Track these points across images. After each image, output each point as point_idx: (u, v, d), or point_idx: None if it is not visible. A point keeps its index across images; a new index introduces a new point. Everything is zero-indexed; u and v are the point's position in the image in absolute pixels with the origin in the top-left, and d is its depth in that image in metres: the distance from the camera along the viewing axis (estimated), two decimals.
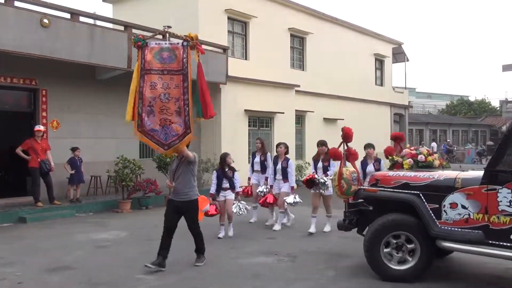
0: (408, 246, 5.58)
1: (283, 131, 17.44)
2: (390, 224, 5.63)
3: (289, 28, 19.08)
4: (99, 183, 12.67)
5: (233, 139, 15.51)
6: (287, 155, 9.31)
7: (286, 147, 9.37)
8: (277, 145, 9.44)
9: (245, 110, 16.13)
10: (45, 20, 10.45)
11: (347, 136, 6.56)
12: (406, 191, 5.66)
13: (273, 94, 17.22)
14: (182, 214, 6.34)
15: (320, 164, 8.77)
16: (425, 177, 5.65)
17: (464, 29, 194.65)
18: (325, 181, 8.39)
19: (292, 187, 9.03)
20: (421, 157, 6.29)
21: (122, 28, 12.66)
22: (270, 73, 17.40)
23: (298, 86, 18.31)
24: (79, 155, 11.58)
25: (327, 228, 8.82)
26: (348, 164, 6.61)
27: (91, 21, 12.41)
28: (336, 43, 21.47)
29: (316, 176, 8.52)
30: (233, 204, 8.40)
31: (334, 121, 21.25)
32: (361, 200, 6.11)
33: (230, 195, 8.35)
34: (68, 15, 11.22)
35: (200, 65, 6.67)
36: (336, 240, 8.10)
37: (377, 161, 8.82)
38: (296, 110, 18.43)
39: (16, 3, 10.18)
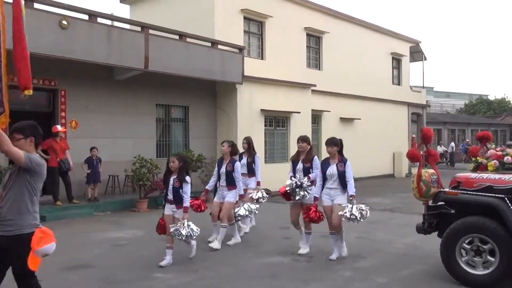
0: (488, 251, 5.34)
1: (299, 131, 17.28)
2: (468, 228, 5.42)
3: (305, 28, 19.01)
4: (117, 183, 12.80)
5: None
6: (233, 156, 7.81)
7: (231, 145, 7.76)
8: (221, 144, 7.87)
9: (261, 110, 16.13)
10: (64, 22, 10.60)
11: (426, 137, 6.24)
12: (489, 194, 5.44)
13: (289, 94, 17.20)
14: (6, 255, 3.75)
15: (300, 165, 7.13)
16: (511, 180, 5.42)
17: (483, 26, 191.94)
18: (303, 183, 6.81)
19: (241, 196, 7.56)
20: (507, 159, 5.97)
21: (139, 28, 12.77)
22: (286, 72, 17.37)
23: (315, 85, 18.24)
24: (97, 155, 11.72)
25: (303, 250, 7.13)
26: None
27: (108, 22, 12.55)
28: (352, 42, 21.34)
29: (292, 180, 6.98)
30: (178, 223, 6.32)
31: (351, 121, 21.14)
32: (442, 203, 5.88)
33: (178, 213, 6.42)
34: (86, 17, 11.36)
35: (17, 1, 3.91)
36: (352, 241, 8.04)
37: (342, 161, 6.72)
38: (312, 110, 18.36)
39: (36, 5, 10.35)
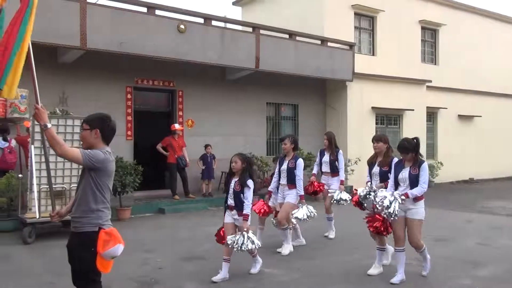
0: None
1: (412, 129, 16.62)
2: None
3: (419, 21, 18.13)
4: None
5: (359, 137, 15.20)
6: (296, 152, 7.15)
7: (293, 142, 7.05)
8: (281, 140, 7.23)
9: (372, 108, 15.72)
10: (182, 26, 11.25)
11: None
12: None
13: (402, 90, 16.53)
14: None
15: (376, 169, 6.19)
16: None
17: None
18: (374, 192, 5.71)
19: (301, 196, 6.90)
20: None
21: (250, 29, 13.13)
22: (399, 68, 16.73)
23: (430, 81, 17.35)
24: (211, 152, 12.28)
25: (374, 270, 6.01)
26: None
27: (222, 24, 13.07)
28: (473, 34, 19.88)
29: (366, 189, 5.95)
30: (237, 235, 5.61)
31: (470, 118, 19.73)
32: None
33: (240, 220, 5.69)
34: (201, 20, 11.95)
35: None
36: (472, 247, 7.52)
37: (417, 164, 5.50)
38: (427, 107, 17.49)
39: (157, 12, 11.12)
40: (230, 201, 5.70)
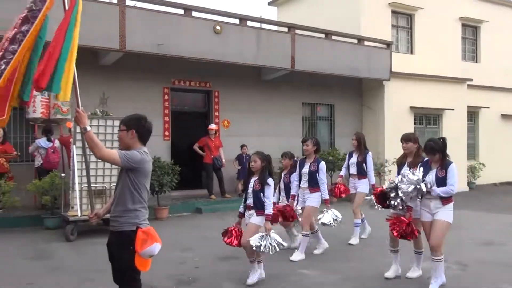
0: None
1: (452, 129, 16.24)
2: None
3: (460, 18, 17.65)
4: None
5: (397, 138, 14.79)
6: (317, 154, 6.95)
7: (315, 144, 6.90)
8: (303, 141, 7.05)
9: (411, 107, 15.42)
10: (218, 27, 11.36)
11: None
12: None
13: (442, 89, 16.14)
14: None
15: (405, 170, 5.69)
16: None
17: None
18: (408, 191, 5.12)
19: (326, 200, 6.75)
20: None
21: (286, 29, 13.11)
22: (438, 67, 16.33)
23: (471, 80, 16.85)
24: (247, 152, 12.33)
25: (413, 273, 5.82)
26: None
27: (257, 24, 13.10)
28: None
29: (392, 182, 5.39)
30: (261, 234, 5.42)
31: None
32: None
33: (255, 218, 5.56)
34: (237, 21, 12.02)
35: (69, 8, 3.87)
36: None
37: (444, 166, 5.18)
38: (468, 106, 17.01)
39: (193, 13, 11.26)
40: (249, 201, 5.59)
